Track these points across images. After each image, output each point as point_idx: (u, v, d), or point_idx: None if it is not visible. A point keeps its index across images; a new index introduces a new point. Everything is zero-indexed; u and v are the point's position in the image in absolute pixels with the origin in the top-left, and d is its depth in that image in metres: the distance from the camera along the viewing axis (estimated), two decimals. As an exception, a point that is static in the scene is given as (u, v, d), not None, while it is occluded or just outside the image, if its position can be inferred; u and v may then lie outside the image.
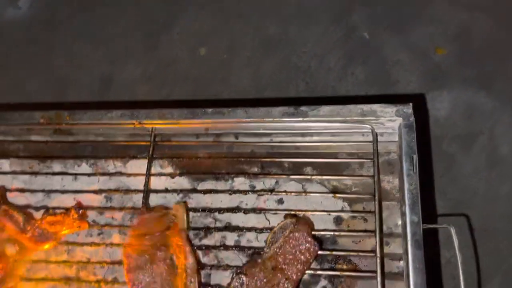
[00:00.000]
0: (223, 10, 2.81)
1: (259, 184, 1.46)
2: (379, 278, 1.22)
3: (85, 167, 1.54)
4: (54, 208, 1.43)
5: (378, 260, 1.23)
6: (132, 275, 1.27)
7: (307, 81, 2.59)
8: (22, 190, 1.48)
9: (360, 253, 1.33)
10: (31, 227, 1.35)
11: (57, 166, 1.55)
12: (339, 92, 2.53)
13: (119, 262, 1.35)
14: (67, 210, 1.38)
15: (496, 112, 2.37)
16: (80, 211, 1.36)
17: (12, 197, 1.49)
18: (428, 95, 2.44)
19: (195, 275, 1.28)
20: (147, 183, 1.40)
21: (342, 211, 1.41)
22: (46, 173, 1.49)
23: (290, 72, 2.62)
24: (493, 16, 2.57)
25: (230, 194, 1.41)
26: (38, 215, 1.44)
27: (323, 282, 1.38)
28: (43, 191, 1.47)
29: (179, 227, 1.32)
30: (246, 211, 1.41)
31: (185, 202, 1.40)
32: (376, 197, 1.28)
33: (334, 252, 1.37)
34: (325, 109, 1.35)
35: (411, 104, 1.32)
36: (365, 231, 1.37)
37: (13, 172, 1.52)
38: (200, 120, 1.40)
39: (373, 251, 1.28)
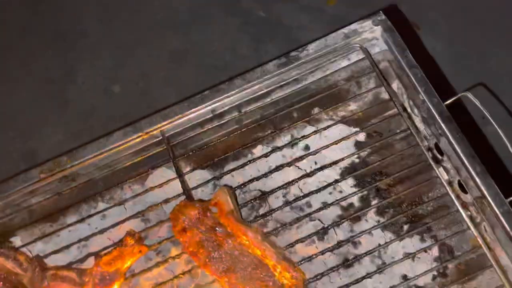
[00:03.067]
0: (119, 44, 2.77)
1: (279, 143, 1.49)
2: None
3: (103, 206, 1.45)
4: (98, 251, 1.33)
5: (425, 151, 1.32)
6: (214, 267, 1.23)
7: (229, 75, 2.63)
8: (54, 252, 1.36)
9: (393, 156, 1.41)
10: (89, 276, 1.25)
11: (71, 219, 1.44)
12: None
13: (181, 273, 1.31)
14: (119, 242, 1.29)
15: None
16: (136, 235, 1.28)
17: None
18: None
19: (264, 243, 1.26)
20: (184, 182, 1.36)
21: (365, 127, 1.49)
22: (75, 222, 1.39)
23: (210, 74, 2.64)
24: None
25: (266, 156, 1.42)
26: (84, 265, 1.33)
27: (375, 201, 1.45)
28: (78, 241, 1.36)
29: (225, 211, 1.29)
30: (280, 169, 1.42)
31: (225, 186, 1.38)
32: (394, 98, 1.38)
33: (368, 167, 1.44)
34: (312, 45, 1.42)
35: (381, 11, 1.44)
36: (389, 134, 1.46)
37: (34, 241, 1.38)
38: (204, 104, 1.40)
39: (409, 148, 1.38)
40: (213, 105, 1.42)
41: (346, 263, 1.34)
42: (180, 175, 1.37)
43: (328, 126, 1.47)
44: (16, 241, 1.42)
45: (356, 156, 1.48)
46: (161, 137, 1.41)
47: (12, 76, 2.74)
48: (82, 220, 1.40)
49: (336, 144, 1.42)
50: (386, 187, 1.47)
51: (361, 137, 1.52)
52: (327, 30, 2.59)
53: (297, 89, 1.48)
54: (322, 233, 1.37)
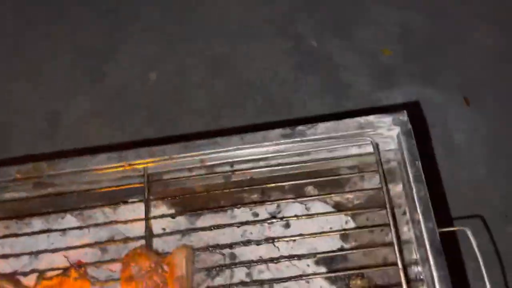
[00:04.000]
0: (166, 35, 2.76)
1: (261, 212, 1.42)
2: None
3: (70, 220, 1.42)
4: (44, 270, 1.30)
5: (402, 271, 1.22)
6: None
7: (263, 95, 2.58)
8: (3, 256, 1.34)
9: (378, 268, 1.32)
10: (23, 299, 1.22)
11: (38, 223, 1.42)
12: (295, 102, 2.53)
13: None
14: (64, 270, 1.26)
15: (444, 104, 2.47)
16: (81, 269, 1.24)
17: (-7, 265, 1.34)
18: (379, 94, 2.50)
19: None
20: (147, 227, 1.31)
21: (348, 229, 1.39)
22: (32, 233, 1.36)
23: (244, 89, 2.60)
24: (427, 14, 2.70)
25: (238, 226, 1.35)
26: (27, 280, 1.30)
27: (341, 302, 1.36)
28: (30, 253, 1.33)
29: (175, 275, 1.23)
30: (253, 242, 1.35)
31: (185, 246, 1.31)
32: (388, 208, 1.28)
33: (347, 266, 1.35)
34: (322, 126, 1.33)
35: (405, 111, 1.33)
36: (376, 244, 1.37)
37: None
38: (194, 153, 1.34)
39: (391, 263, 1.27)
40: (204, 156, 1.35)
41: None
42: (147, 218, 1.32)
43: (319, 214, 1.39)
44: (-24, 231, 1.41)
45: (338, 249, 1.38)
46: (142, 173, 1.35)
47: (57, 39, 2.78)
48: (44, 231, 1.37)
49: (321, 235, 1.33)
50: (360, 292, 1.37)
51: (351, 231, 1.41)
52: (372, 79, 2.54)
53: (296, 162, 1.40)
54: (271, 327, 1.29)
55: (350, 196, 1.44)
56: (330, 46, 2.68)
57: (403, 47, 2.66)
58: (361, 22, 2.74)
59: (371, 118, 1.33)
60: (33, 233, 1.35)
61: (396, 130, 1.32)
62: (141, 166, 1.35)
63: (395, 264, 1.23)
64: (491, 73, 2.53)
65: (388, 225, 1.28)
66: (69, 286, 1.23)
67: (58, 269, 1.29)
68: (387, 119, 1.32)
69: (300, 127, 1.34)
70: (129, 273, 1.23)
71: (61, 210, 1.41)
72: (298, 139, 1.33)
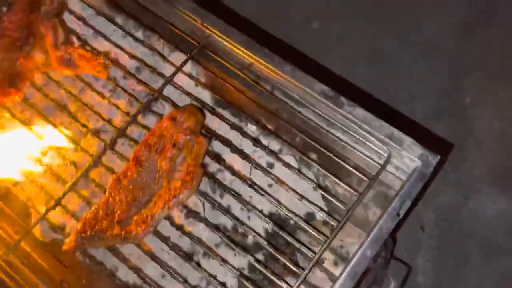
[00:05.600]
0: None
1: (264, 140, 1.46)
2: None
3: (140, 33, 1.61)
4: (93, 47, 1.52)
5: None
6: (136, 156, 1.34)
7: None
8: (79, 18, 1.56)
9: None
10: (65, 48, 1.44)
11: (120, 19, 1.62)
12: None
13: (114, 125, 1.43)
14: (99, 52, 1.45)
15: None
16: (107, 61, 1.42)
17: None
18: (490, 187, 2.26)
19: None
20: (173, 74, 1.44)
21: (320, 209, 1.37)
22: (109, 19, 1.57)
23: (381, 84, 2.51)
24: None
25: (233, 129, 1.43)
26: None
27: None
28: (93, 28, 1.55)
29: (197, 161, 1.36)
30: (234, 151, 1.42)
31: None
32: (346, 216, 1.24)
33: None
34: (360, 111, 1.31)
35: (439, 156, 1.25)
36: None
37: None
38: (250, 52, 1.40)
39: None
40: (253, 61, 1.42)
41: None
42: (179, 68, 1.44)
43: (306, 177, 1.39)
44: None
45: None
46: (205, 35, 1.46)
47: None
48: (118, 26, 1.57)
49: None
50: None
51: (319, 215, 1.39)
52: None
53: (320, 126, 1.40)
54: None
55: (339, 190, 1.41)
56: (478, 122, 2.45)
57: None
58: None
59: (404, 136, 1.27)
60: (110, 20, 1.57)
61: (415, 164, 1.25)
62: (207, 31, 1.45)
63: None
64: None
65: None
66: (93, 65, 1.43)
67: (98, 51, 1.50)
68: (416, 148, 1.25)
69: (342, 98, 1.33)
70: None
71: (142, 23, 1.59)
72: (332, 105, 1.32)
